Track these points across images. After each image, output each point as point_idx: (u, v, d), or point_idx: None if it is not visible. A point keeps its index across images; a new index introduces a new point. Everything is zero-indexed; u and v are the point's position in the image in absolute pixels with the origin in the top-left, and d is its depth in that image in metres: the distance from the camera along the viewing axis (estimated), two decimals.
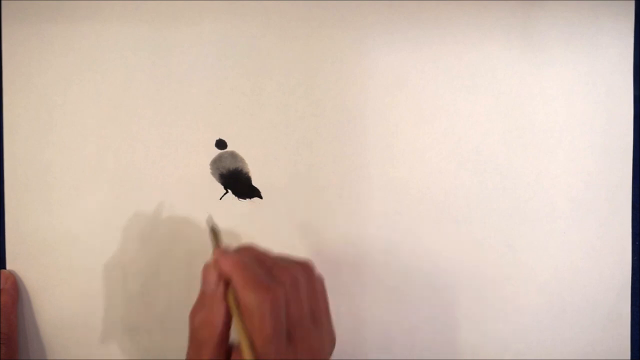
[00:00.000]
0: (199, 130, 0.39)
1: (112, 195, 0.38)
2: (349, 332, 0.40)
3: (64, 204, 0.38)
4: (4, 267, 0.38)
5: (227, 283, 0.30)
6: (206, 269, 0.31)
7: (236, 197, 0.39)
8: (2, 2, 0.38)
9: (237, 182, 0.39)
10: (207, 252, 0.39)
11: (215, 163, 0.38)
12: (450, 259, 0.40)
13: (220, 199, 0.39)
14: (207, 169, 0.38)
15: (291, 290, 0.30)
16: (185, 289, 0.39)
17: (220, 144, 0.39)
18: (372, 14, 0.40)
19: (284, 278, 0.30)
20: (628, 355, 0.42)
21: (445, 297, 0.41)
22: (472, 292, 0.41)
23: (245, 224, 0.39)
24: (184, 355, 0.39)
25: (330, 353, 0.33)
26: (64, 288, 0.38)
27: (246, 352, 0.28)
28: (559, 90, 0.41)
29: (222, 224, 0.39)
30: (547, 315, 0.41)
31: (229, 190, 0.39)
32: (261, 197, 0.39)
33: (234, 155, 0.39)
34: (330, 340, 0.33)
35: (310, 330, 0.30)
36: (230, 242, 0.39)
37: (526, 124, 0.41)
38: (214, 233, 0.33)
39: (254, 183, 0.39)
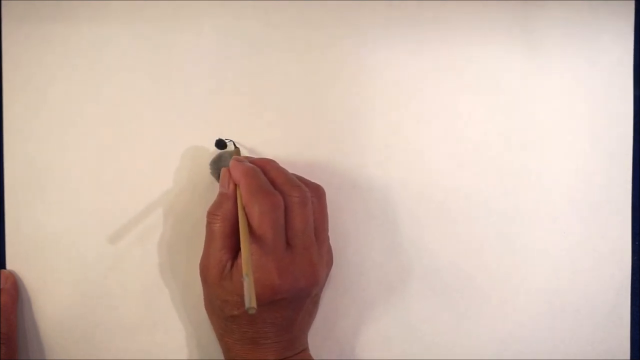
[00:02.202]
0: (199, 130, 0.39)
1: (112, 195, 0.38)
2: (349, 332, 0.40)
3: (64, 204, 0.38)
4: (4, 267, 0.38)
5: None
6: (224, 171, 0.35)
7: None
8: (2, 2, 0.38)
9: None
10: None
11: (215, 163, 0.38)
12: (450, 258, 0.40)
13: None
14: (207, 169, 0.38)
15: (299, 204, 0.33)
16: (185, 289, 0.39)
17: (220, 144, 0.39)
18: (372, 14, 0.40)
19: (293, 193, 0.33)
20: (628, 355, 0.42)
21: (445, 297, 0.41)
22: (472, 292, 0.41)
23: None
24: (184, 355, 0.39)
25: (327, 274, 0.37)
26: (64, 288, 0.38)
27: (244, 259, 0.30)
28: (559, 90, 0.41)
29: None
30: (547, 315, 0.41)
31: None
32: None
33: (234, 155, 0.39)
34: (328, 260, 0.37)
35: (312, 244, 0.34)
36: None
37: (526, 124, 0.41)
38: (235, 147, 0.38)
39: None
